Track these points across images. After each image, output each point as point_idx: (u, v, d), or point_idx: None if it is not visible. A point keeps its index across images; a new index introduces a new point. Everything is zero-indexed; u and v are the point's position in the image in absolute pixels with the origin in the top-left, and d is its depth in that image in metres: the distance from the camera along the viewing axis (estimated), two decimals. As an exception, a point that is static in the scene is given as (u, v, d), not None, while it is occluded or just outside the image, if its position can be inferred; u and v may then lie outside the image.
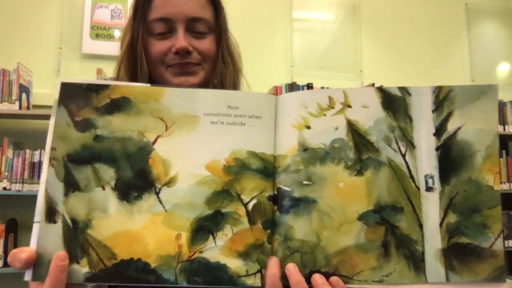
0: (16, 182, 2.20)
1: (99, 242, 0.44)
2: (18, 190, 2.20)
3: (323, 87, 2.66)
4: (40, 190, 0.46)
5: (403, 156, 0.47)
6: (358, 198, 0.46)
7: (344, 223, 0.46)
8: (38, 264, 0.43)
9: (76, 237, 0.44)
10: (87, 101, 0.48)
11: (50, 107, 2.57)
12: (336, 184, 0.47)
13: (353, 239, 0.45)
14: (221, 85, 0.76)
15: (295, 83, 2.63)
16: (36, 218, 0.45)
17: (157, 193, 0.46)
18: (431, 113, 0.48)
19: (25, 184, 2.21)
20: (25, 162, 2.23)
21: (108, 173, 0.46)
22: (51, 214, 0.45)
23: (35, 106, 2.43)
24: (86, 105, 0.48)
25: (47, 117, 2.12)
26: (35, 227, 0.45)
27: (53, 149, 0.46)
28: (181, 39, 0.68)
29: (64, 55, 2.59)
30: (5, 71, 2.28)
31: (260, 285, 0.44)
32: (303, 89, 2.62)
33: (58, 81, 0.49)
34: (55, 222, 0.45)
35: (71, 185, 0.46)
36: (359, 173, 0.47)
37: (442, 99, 0.48)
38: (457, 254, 0.44)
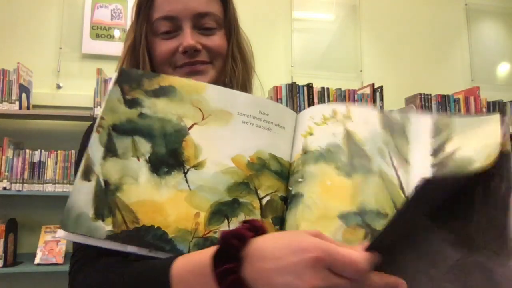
0: (16, 182, 2.20)
1: (126, 206, 0.48)
2: (18, 190, 2.20)
3: (323, 87, 2.66)
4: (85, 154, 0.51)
5: (395, 169, 0.47)
6: (343, 198, 0.46)
7: (323, 218, 0.45)
8: (66, 215, 0.47)
9: (106, 197, 0.48)
10: (139, 84, 0.54)
11: (50, 107, 2.57)
12: (324, 181, 0.47)
13: (330, 236, 0.43)
14: (231, 84, 0.73)
15: (295, 83, 2.63)
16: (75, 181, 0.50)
17: (185, 173, 0.50)
18: (429, 138, 0.48)
19: (25, 184, 2.21)
20: (25, 162, 2.23)
21: (144, 146, 0.51)
22: (87, 173, 0.49)
23: (35, 106, 2.43)
24: (137, 87, 0.53)
25: (47, 117, 2.13)
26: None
27: (101, 118, 0.51)
28: (188, 37, 0.65)
29: (64, 55, 2.59)
30: (5, 71, 2.28)
31: None
32: (303, 89, 2.62)
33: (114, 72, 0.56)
34: (89, 181, 0.49)
35: (110, 151, 0.50)
36: (348, 175, 0.47)
37: (442, 128, 0.49)
38: None
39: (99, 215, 0.47)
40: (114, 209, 0.47)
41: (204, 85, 0.54)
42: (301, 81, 2.64)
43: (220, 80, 0.71)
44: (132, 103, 0.53)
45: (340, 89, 2.67)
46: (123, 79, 0.54)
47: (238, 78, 0.73)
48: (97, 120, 0.52)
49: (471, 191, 0.40)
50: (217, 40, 0.69)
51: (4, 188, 2.18)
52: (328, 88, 2.65)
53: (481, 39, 3.31)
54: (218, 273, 0.37)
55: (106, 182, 0.49)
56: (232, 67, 0.72)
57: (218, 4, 0.70)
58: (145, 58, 0.68)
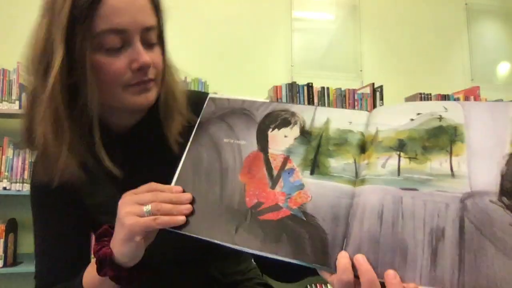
0: (16, 182, 2.20)
1: None
2: (18, 190, 2.20)
3: (323, 87, 2.66)
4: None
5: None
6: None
7: None
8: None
9: None
10: None
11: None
12: None
13: None
14: (173, 94, 0.68)
15: (295, 82, 2.63)
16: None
17: None
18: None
19: (25, 184, 2.21)
20: (25, 162, 2.23)
21: None
22: None
23: (35, 106, 2.42)
24: None
25: (47, 117, 2.03)
26: None
27: None
28: (143, 53, 0.59)
29: (64, 55, 2.58)
30: (5, 71, 2.28)
31: None
32: (303, 88, 2.62)
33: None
34: None
35: None
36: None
37: None
38: None
39: None
40: None
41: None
42: (301, 81, 2.64)
43: (160, 94, 0.67)
44: None
45: (340, 88, 2.67)
46: None
47: (176, 87, 0.69)
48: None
49: None
50: (158, 56, 0.64)
51: (4, 188, 2.18)
52: (328, 88, 2.65)
53: (481, 39, 3.31)
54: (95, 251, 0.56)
55: None
56: (169, 78, 0.69)
57: (155, 17, 0.64)
58: (92, 84, 0.58)
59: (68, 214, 0.68)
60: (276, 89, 2.60)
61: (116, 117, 0.67)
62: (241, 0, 2.92)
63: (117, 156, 0.65)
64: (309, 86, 2.62)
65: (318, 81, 2.70)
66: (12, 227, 2.24)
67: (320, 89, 2.64)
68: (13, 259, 2.20)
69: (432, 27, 3.23)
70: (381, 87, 2.67)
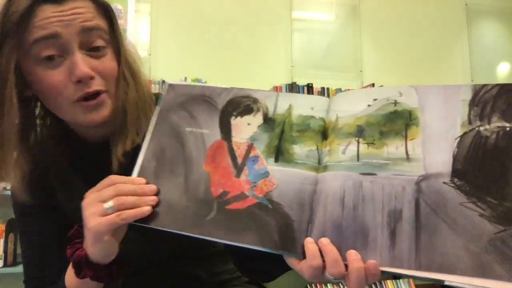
0: (16, 182, 2.20)
1: None
2: (18, 190, 2.19)
3: (323, 87, 2.66)
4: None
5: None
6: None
7: None
8: None
9: None
10: None
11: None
12: None
13: None
14: (124, 108, 0.62)
15: (295, 83, 2.64)
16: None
17: None
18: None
19: (25, 184, 2.21)
20: (25, 162, 2.23)
21: None
22: None
23: (35, 106, 2.42)
24: None
25: (47, 117, 2.02)
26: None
27: None
28: (79, 63, 0.54)
29: (64, 55, 2.58)
30: None
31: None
32: (303, 89, 2.62)
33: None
34: None
35: None
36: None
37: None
38: None
39: None
40: None
41: None
42: (301, 81, 2.65)
43: (116, 107, 0.61)
44: None
45: (340, 89, 2.67)
46: None
47: (132, 98, 0.63)
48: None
49: (506, 171, 0.43)
50: (108, 62, 0.59)
51: (4, 188, 2.18)
52: (328, 88, 2.66)
53: (481, 39, 3.32)
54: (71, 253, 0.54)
55: None
56: (124, 88, 0.62)
57: (102, 19, 0.60)
58: (12, 99, 0.54)
59: (51, 219, 0.67)
60: (276, 89, 2.61)
61: (84, 129, 0.65)
62: (241, 0, 2.92)
63: (94, 165, 0.63)
64: (309, 87, 2.63)
65: (318, 81, 2.70)
66: (12, 227, 2.24)
67: (320, 90, 2.65)
68: (13, 259, 2.21)
69: (432, 27, 3.23)
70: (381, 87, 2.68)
